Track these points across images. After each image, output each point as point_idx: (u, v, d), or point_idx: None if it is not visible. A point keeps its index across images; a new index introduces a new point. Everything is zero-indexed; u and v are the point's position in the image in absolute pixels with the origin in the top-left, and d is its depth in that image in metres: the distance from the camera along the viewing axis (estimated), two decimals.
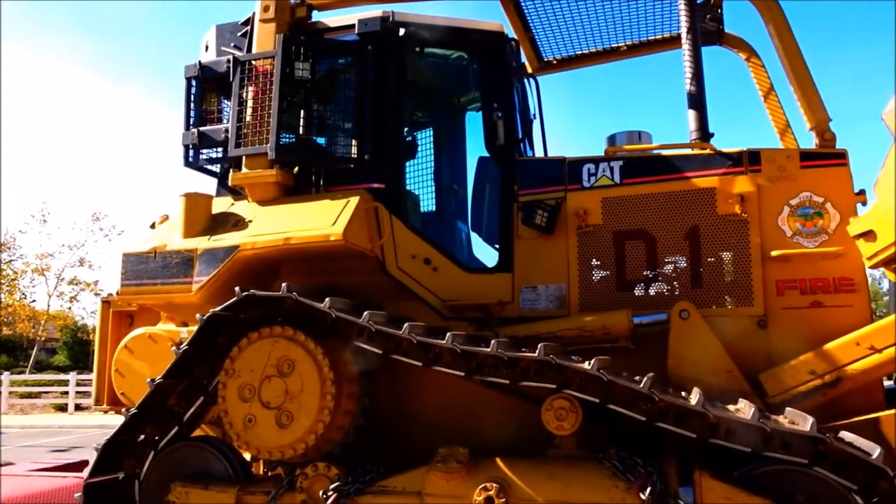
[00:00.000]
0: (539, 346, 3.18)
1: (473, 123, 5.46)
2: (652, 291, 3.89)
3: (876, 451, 2.75)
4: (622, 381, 3.06)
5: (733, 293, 3.74)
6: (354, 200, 3.95)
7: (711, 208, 3.83)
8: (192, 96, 4.48)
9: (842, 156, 3.74)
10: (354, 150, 4.20)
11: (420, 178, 5.44)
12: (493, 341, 3.23)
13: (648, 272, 3.90)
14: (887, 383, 3.93)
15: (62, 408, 20.65)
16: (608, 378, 3.05)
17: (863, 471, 2.81)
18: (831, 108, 3.85)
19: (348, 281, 4.10)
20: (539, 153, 5.17)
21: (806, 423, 2.85)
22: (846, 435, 3.05)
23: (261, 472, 4.14)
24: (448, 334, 3.30)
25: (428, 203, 5.33)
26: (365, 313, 3.42)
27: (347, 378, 3.63)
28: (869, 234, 3.11)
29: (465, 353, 3.31)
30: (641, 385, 3.00)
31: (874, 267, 3.25)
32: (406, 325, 3.36)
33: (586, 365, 3.09)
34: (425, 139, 5.64)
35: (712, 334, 3.57)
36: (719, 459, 3.11)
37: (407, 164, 5.35)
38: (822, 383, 3.39)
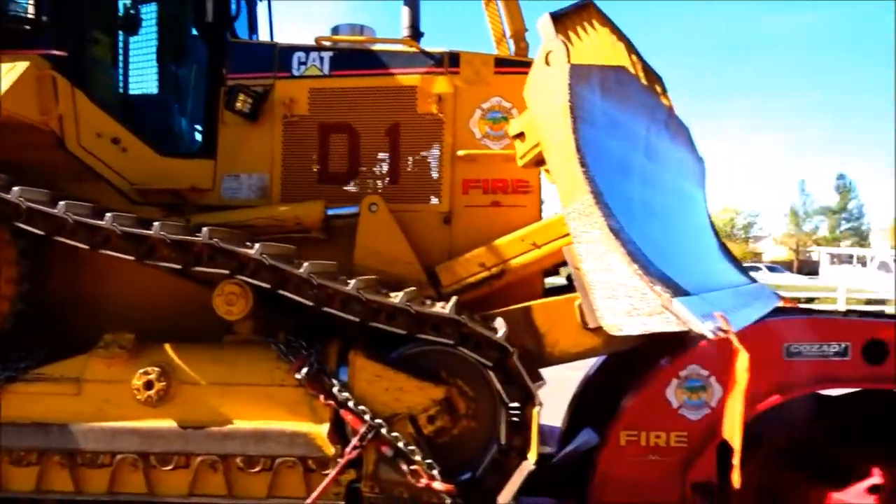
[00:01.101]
0: (204, 230, 3.11)
1: None
2: (352, 185, 3.93)
3: (501, 330, 3.05)
4: (287, 266, 3.09)
5: (424, 190, 3.89)
6: (23, 66, 3.51)
7: (412, 106, 3.90)
8: None
9: (531, 65, 3.95)
10: (32, 9, 3.72)
11: (139, 55, 4.99)
12: (156, 223, 3.10)
13: (350, 166, 3.93)
14: (559, 280, 4.39)
15: None
16: (270, 263, 3.07)
17: (496, 350, 3.13)
18: None
19: (22, 157, 3.68)
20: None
21: (448, 307, 3.09)
22: (498, 322, 3.37)
23: None
24: (108, 215, 3.11)
25: (146, 82, 4.93)
26: (15, 189, 3.11)
27: (5, 261, 3.32)
28: (521, 136, 3.35)
29: (130, 236, 3.15)
30: (301, 270, 3.06)
31: (525, 166, 3.51)
32: (62, 203, 3.11)
33: (252, 251, 3.08)
34: (150, 15, 5.16)
35: (397, 227, 3.70)
36: (388, 342, 3.30)
37: (130, 39, 4.90)
38: (489, 275, 3.67)
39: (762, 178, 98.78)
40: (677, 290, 2.64)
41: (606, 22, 3.64)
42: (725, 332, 2.42)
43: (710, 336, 2.40)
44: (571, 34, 3.35)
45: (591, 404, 4.41)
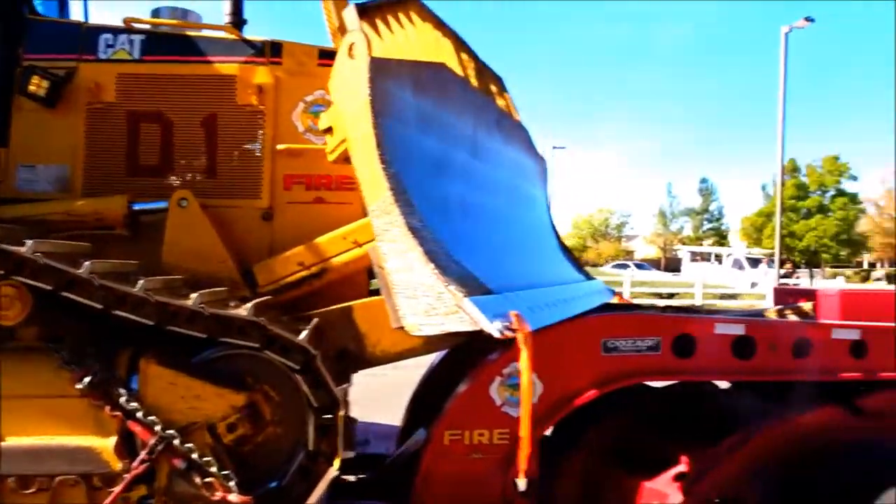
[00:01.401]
0: None
1: None
2: (165, 178, 3.68)
3: (303, 333, 2.93)
4: (65, 266, 2.82)
5: (243, 185, 3.69)
6: None
7: (230, 97, 3.70)
8: None
9: None
10: None
11: None
12: None
13: (163, 158, 3.68)
14: None
15: None
16: (44, 262, 2.79)
17: (301, 353, 3.00)
18: None
19: None
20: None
21: (246, 310, 2.92)
22: (315, 322, 3.23)
23: None
24: None
25: None
26: None
27: None
28: (330, 130, 3.23)
29: None
30: (81, 270, 2.80)
31: (335, 162, 3.39)
32: None
33: (23, 248, 2.78)
34: None
35: (208, 224, 3.49)
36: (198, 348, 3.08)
37: None
38: (309, 274, 3.53)
39: (635, 181, 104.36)
40: (474, 289, 2.61)
41: (430, 17, 3.58)
42: (514, 331, 2.41)
43: (497, 335, 2.38)
44: (384, 28, 3.26)
45: (430, 402, 4.37)
